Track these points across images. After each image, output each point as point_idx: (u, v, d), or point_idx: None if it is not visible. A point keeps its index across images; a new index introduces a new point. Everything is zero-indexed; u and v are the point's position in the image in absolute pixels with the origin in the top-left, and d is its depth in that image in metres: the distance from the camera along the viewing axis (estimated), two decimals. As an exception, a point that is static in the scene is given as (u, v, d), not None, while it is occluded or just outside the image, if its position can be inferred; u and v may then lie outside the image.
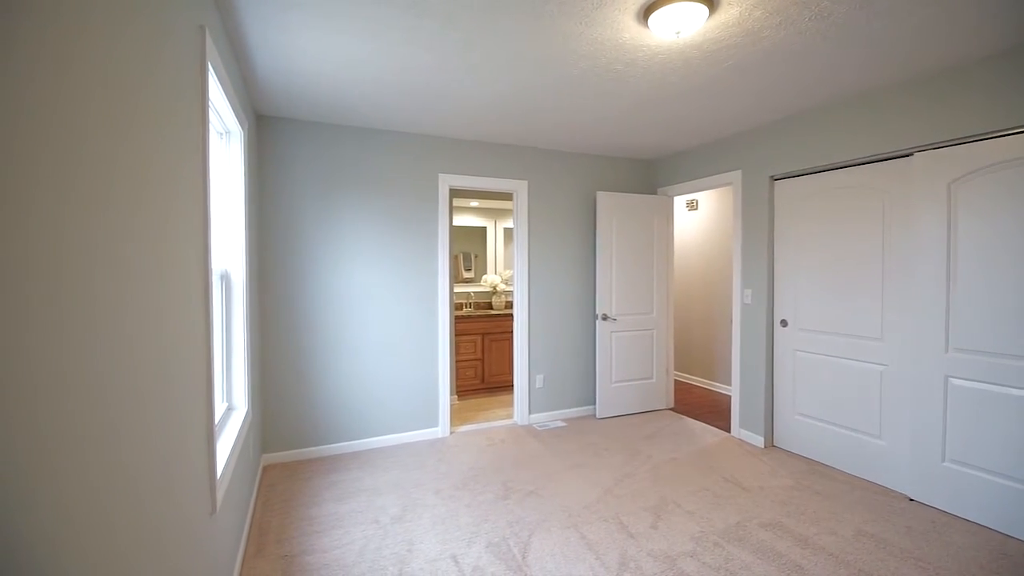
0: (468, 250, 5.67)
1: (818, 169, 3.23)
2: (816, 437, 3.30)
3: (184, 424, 1.32)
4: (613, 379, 4.21)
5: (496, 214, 5.76)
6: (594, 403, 4.35)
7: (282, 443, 3.31)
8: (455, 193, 4.82)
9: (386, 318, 3.58)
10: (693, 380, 5.45)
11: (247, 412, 2.45)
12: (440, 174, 3.73)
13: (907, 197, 2.79)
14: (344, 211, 3.44)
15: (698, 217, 5.39)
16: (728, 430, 3.89)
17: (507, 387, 5.14)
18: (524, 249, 4.03)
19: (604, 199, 4.16)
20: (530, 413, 4.09)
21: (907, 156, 2.79)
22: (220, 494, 1.68)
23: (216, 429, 1.94)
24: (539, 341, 4.12)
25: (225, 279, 2.41)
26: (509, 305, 5.69)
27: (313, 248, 3.36)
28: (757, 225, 3.64)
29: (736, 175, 3.77)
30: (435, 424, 3.76)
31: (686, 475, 3.07)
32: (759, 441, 3.58)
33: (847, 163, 3.06)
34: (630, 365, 4.28)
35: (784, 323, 3.49)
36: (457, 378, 4.87)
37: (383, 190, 3.56)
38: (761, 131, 3.55)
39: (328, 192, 3.39)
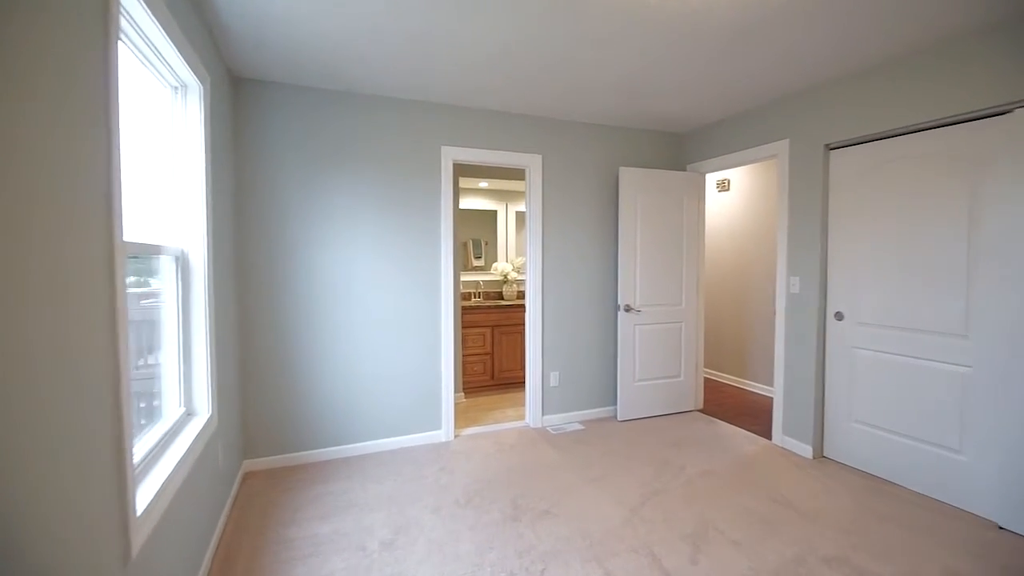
0: (478, 236, 5.25)
1: (885, 135, 2.73)
2: (877, 449, 2.83)
3: (70, 449, 0.93)
4: (636, 377, 3.78)
5: (507, 196, 5.33)
6: (615, 403, 3.92)
7: (266, 447, 2.95)
8: (461, 171, 4.39)
9: (383, 309, 3.19)
10: (723, 378, 4.98)
11: (211, 417, 2.08)
12: (443, 147, 3.31)
13: (1004, 164, 2.29)
14: (335, 189, 3.05)
15: (729, 199, 4.89)
16: (768, 436, 3.44)
17: (518, 384, 4.73)
18: (538, 232, 3.60)
19: (628, 176, 3.70)
20: (544, 414, 3.69)
21: (1004, 113, 2.28)
22: (143, 533, 1.30)
23: (139, 454, 1.56)
24: (554, 335, 3.70)
25: (181, 262, 2.03)
26: (521, 295, 5.27)
27: (300, 231, 2.98)
28: (807, 203, 3.15)
29: (782, 146, 3.27)
30: (438, 426, 3.37)
31: (726, 492, 2.64)
32: (806, 451, 3.12)
33: (922, 126, 2.56)
34: (655, 362, 3.84)
35: (839, 316, 3.01)
36: (464, 374, 4.48)
37: (379, 165, 3.15)
38: (816, 91, 3.04)
39: (317, 167, 3.00)
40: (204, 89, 2.07)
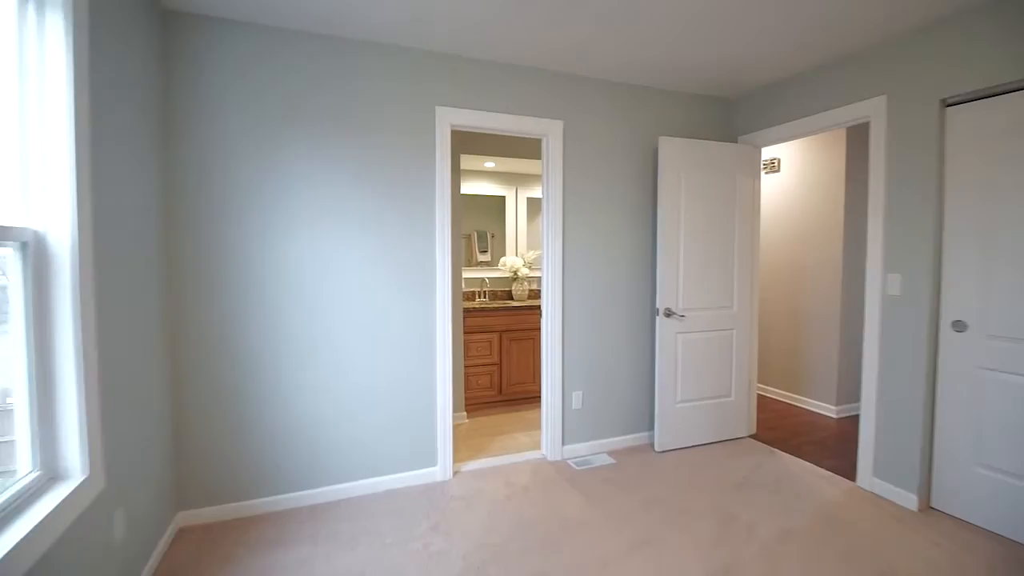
0: (483, 228, 4.54)
1: (1043, 78, 1.99)
2: (1014, 504, 2.10)
3: None
4: (679, 397, 3.06)
5: (518, 180, 4.61)
6: (650, 429, 3.21)
7: (208, 494, 2.28)
8: (463, 146, 3.69)
9: (361, 313, 2.50)
10: (770, 392, 4.24)
11: (88, 479, 1.40)
12: (438, 107, 2.60)
13: None
14: (298, 160, 2.35)
15: (779, 182, 4.14)
16: (849, 476, 2.71)
17: (531, 399, 4.04)
18: (556, 218, 2.88)
19: (669, 148, 2.97)
20: (564, 443, 2.98)
21: None
22: None
23: None
24: (577, 345, 2.99)
25: (32, 251, 1.34)
26: (534, 295, 4.56)
27: (252, 214, 2.29)
28: (913, 178, 2.41)
29: (875, 105, 2.53)
30: (431, 461, 2.68)
31: (817, 565, 1.92)
32: (908, 500, 2.40)
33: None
34: (702, 378, 3.12)
35: (960, 326, 2.27)
36: (467, 388, 3.79)
37: (355, 128, 2.44)
38: (932, 30, 2.30)
39: (273, 131, 2.30)
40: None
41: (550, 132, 2.84)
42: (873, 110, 2.54)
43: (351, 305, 2.48)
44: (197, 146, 2.19)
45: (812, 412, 3.85)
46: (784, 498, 2.48)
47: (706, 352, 3.12)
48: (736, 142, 3.32)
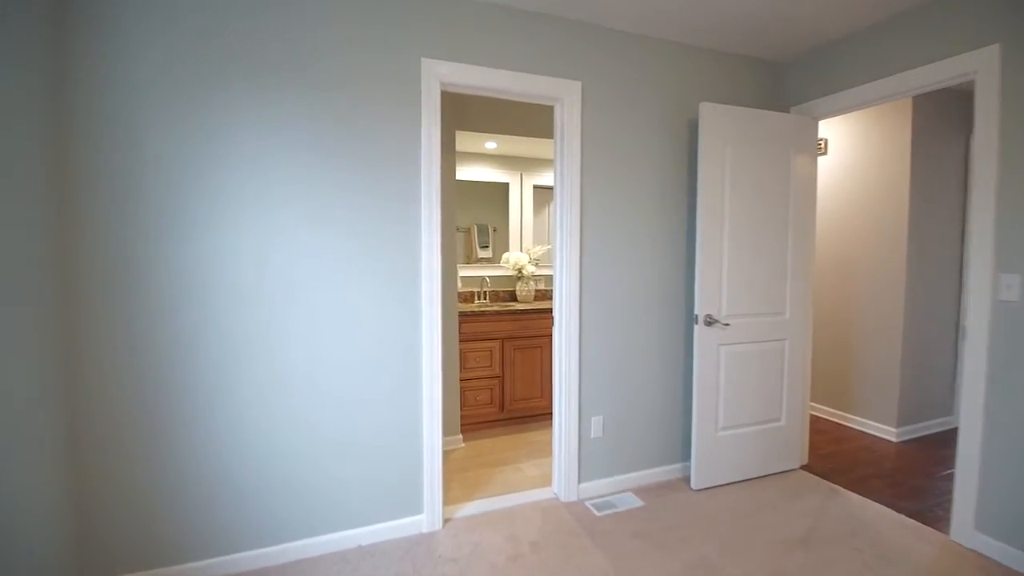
0: (483, 220, 3.99)
1: None
2: None
3: None
4: (721, 423, 2.51)
5: (523, 165, 4.05)
6: (684, 460, 2.66)
7: (122, 559, 1.74)
8: (459, 120, 3.14)
9: (322, 322, 1.95)
10: (815, 410, 3.68)
11: None
12: (424, 59, 2.04)
13: None
14: (240, 130, 1.80)
15: (826, 166, 3.57)
16: (940, 526, 2.16)
17: (538, 417, 3.49)
18: (572, 204, 2.33)
19: (712, 116, 2.41)
20: (581, 480, 2.44)
21: None
22: None
23: None
24: (596, 360, 2.44)
25: None
26: (541, 296, 4.01)
27: (178, 199, 1.74)
28: (1044, 147, 1.85)
29: (985, 57, 1.97)
30: (416, 508, 2.13)
31: None
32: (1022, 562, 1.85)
33: None
34: (749, 399, 2.57)
35: (1114, 343, 1.71)
36: (463, 405, 3.25)
37: (314, 90, 1.89)
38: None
39: (207, 94, 1.75)
40: None
41: (565, 96, 2.28)
42: (981, 64, 1.98)
43: (311, 311, 1.93)
44: (101, 112, 1.64)
45: (867, 434, 3.29)
46: (866, 560, 1.93)
47: (753, 368, 2.56)
48: (788, 112, 2.75)
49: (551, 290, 4.05)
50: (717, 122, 2.41)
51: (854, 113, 3.32)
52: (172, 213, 1.73)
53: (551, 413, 3.53)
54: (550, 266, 4.05)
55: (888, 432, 3.21)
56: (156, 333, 1.73)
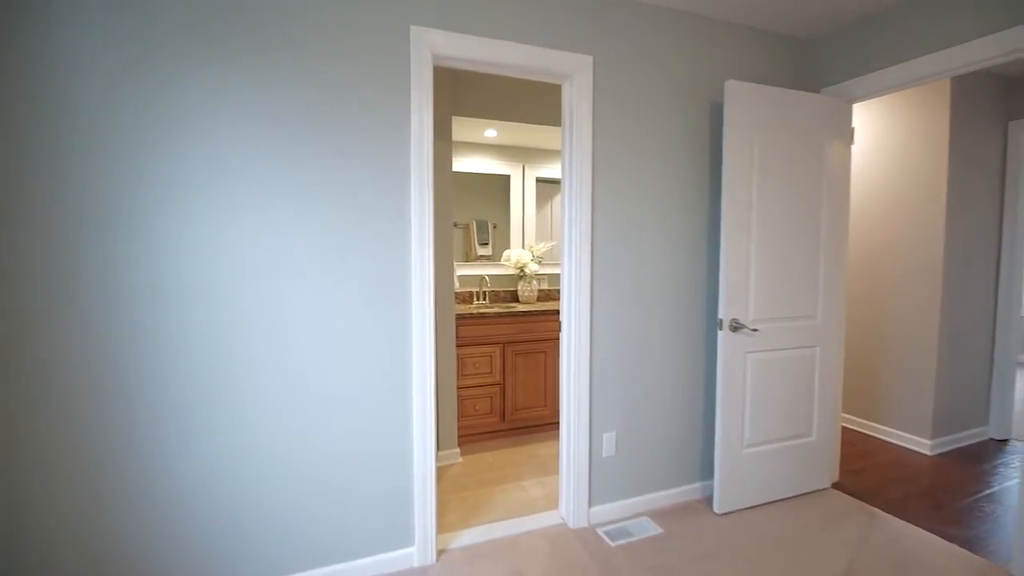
0: (482, 216, 3.73)
1: None
2: None
3: None
4: (747, 438, 2.26)
5: (525, 156, 3.79)
6: (705, 479, 2.41)
7: (59, 609, 1.49)
8: (456, 104, 2.88)
9: (300, 330, 1.69)
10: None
11: None
12: (414, 27, 1.78)
13: None
14: (197, 104, 1.54)
15: (855, 157, 3.31)
16: (994, 556, 1.91)
17: (542, 427, 3.24)
18: (583, 194, 2.07)
19: (740, 97, 2.15)
20: (592, 503, 2.18)
21: None
22: None
23: None
24: (609, 369, 2.18)
25: None
26: (545, 296, 3.76)
27: (125, 184, 1.48)
28: None
29: (1061, 22, 1.71)
30: (406, 540, 1.88)
31: None
32: (1114, 611, 1.60)
33: None
34: (778, 412, 2.31)
35: None
36: (461, 415, 2.99)
37: (286, 60, 1.63)
38: None
39: (157, 62, 1.49)
40: None
41: (575, 72, 2.02)
42: (1055, 31, 1.72)
43: (284, 318, 1.67)
44: (34, 83, 1.38)
45: (897, 447, 3.04)
46: (923, 604, 1.68)
47: (783, 378, 2.31)
48: (819, 93, 2.49)
49: (555, 290, 3.80)
50: (744, 102, 2.15)
51: (884, 97, 3.07)
52: (116, 206, 1.47)
53: (556, 423, 3.29)
54: (554, 264, 3.79)
55: (921, 444, 2.96)
56: (107, 345, 1.48)
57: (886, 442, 3.11)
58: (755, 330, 2.20)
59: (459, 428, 2.97)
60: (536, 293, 3.64)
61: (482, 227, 3.73)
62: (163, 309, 1.53)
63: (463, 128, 3.26)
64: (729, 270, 2.16)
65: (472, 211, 3.69)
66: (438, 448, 2.75)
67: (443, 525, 2.13)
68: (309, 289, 1.69)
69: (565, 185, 2.11)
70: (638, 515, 2.24)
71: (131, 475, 1.53)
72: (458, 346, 2.95)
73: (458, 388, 2.94)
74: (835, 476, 2.55)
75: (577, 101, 2.04)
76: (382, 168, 1.77)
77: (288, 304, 1.67)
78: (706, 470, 2.41)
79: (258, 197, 1.62)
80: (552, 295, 3.79)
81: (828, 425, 2.45)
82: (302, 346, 1.69)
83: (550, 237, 3.87)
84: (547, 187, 3.88)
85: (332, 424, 1.75)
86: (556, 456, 2.87)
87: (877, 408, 3.20)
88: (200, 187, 1.55)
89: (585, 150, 2.06)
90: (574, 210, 2.07)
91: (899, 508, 2.32)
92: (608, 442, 2.19)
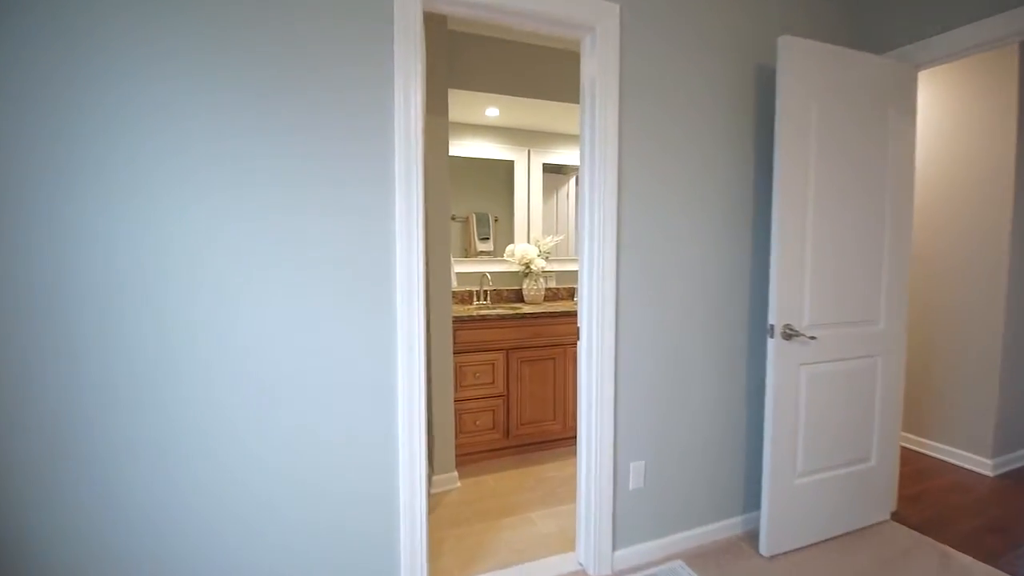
0: (483, 207, 3.35)
1: None
2: None
3: None
4: (800, 467, 1.90)
5: (530, 139, 3.42)
6: (746, 511, 2.05)
7: None
8: (453, 75, 2.51)
9: (260, 343, 1.33)
10: (878, 430, 3.07)
11: None
12: (399, -41, 1.41)
13: None
14: (136, 64, 1.16)
15: (899, 138, 2.94)
16: (1119, 620, 1.56)
17: (551, 444, 2.89)
18: (608, 175, 1.70)
19: (795, 55, 1.78)
20: (615, 547, 1.82)
21: None
22: None
23: None
24: (636, 386, 1.82)
25: None
26: (553, 296, 3.40)
27: (39, 162, 1.11)
28: None
29: None
30: (393, 600, 1.52)
31: None
32: None
33: None
34: (834, 434, 1.96)
35: None
36: (459, 432, 2.64)
37: (237, 9, 1.26)
38: None
39: (95, 13, 1.12)
40: None
41: (598, 23, 1.65)
42: None
43: (236, 326, 1.30)
44: None
45: (955, 466, 2.69)
46: None
47: (841, 392, 1.95)
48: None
49: (564, 289, 3.43)
50: (801, 65, 1.78)
51: (941, 67, 2.71)
52: (29, 189, 1.10)
53: (567, 439, 2.93)
54: (562, 260, 3.43)
55: (981, 464, 2.61)
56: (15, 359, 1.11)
57: (941, 460, 2.76)
58: (812, 338, 1.83)
59: (457, 446, 2.61)
60: (543, 292, 3.27)
61: (483, 219, 3.36)
62: (89, 315, 1.16)
63: (461, 106, 2.89)
64: (781, 268, 1.80)
65: (472, 202, 3.32)
66: (432, 472, 2.39)
67: (437, 571, 1.78)
68: (268, 292, 1.33)
69: (585, 162, 1.74)
70: (670, 558, 1.88)
71: (41, 496, 1.16)
72: (456, 353, 2.59)
73: (456, 401, 2.58)
74: (893, 505, 2.20)
75: (603, 60, 1.67)
76: (360, 141, 1.39)
77: (238, 309, 1.30)
78: (749, 501, 2.06)
79: (207, 182, 1.25)
80: (560, 294, 3.43)
81: (889, 447, 2.09)
82: (250, 370, 1.33)
83: (557, 230, 3.50)
84: (555, 176, 3.51)
85: (302, 458, 1.38)
86: (569, 480, 2.52)
87: (930, 422, 2.85)
88: (137, 171, 1.18)
89: (610, 121, 1.69)
90: (597, 195, 1.70)
91: (973, 546, 1.97)
92: (636, 473, 1.83)
